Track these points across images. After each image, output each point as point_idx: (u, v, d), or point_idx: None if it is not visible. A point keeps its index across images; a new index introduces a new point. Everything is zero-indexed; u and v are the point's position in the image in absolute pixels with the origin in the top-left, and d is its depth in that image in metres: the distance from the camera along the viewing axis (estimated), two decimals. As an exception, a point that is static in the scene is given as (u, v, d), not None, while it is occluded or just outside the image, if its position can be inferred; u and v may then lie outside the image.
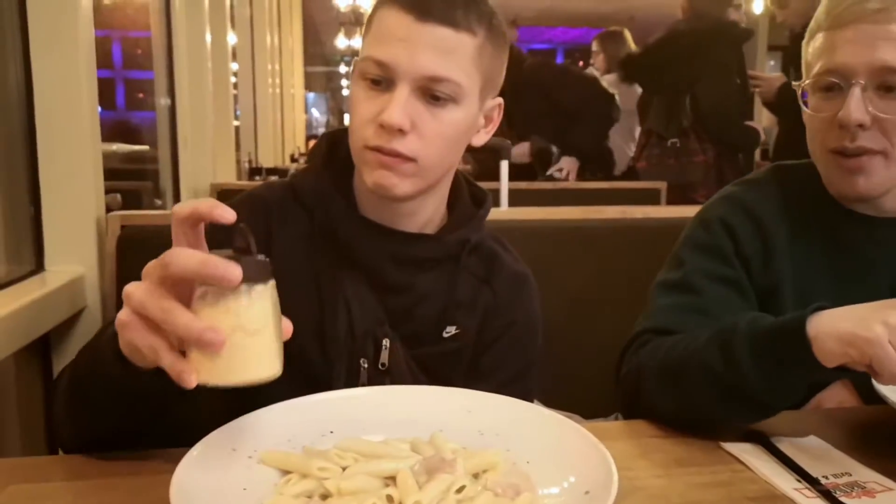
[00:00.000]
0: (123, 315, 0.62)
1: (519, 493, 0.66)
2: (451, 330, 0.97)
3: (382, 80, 0.86)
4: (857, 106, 0.96)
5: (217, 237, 0.64)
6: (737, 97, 3.27)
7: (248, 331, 0.59)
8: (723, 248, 1.08)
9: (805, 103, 1.06)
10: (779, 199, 1.10)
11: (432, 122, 0.88)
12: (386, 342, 0.93)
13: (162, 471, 0.65)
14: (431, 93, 0.87)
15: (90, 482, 0.74)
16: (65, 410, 0.79)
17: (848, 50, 0.97)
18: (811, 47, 1.04)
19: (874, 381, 0.79)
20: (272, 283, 0.61)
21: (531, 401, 0.98)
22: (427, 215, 0.98)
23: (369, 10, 0.92)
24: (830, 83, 1.00)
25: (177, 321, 0.59)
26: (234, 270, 0.58)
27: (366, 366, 0.93)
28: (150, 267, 0.62)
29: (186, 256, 0.59)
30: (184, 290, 0.61)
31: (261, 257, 0.61)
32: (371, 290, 0.94)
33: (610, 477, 0.63)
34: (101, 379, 0.71)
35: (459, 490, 0.66)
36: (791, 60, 3.03)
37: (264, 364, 0.61)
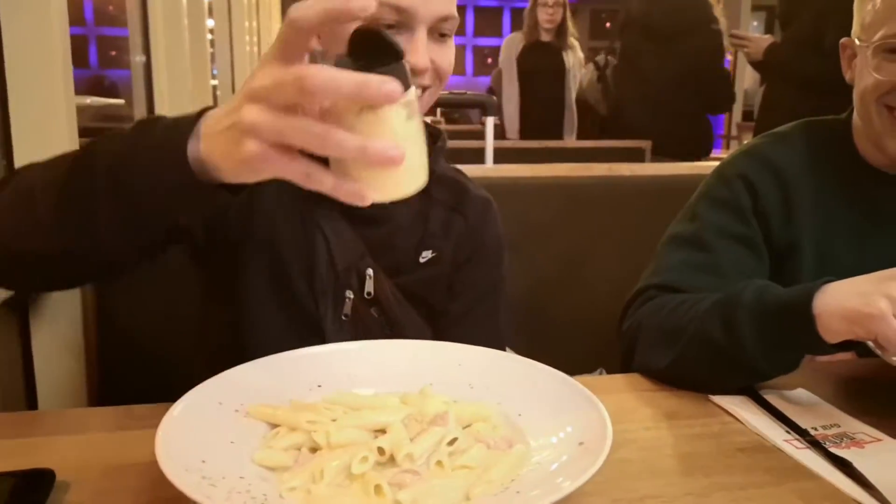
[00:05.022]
0: (253, 148, 0.55)
1: (511, 446, 0.66)
2: (427, 255, 0.99)
3: (397, 25, 0.85)
4: None
5: None
6: None
7: (408, 140, 0.56)
8: (741, 204, 1.06)
9: (851, 59, 1.03)
10: (805, 156, 1.08)
11: (443, 59, 0.89)
12: (370, 272, 0.94)
13: (146, 425, 0.63)
14: (440, 31, 0.88)
15: (71, 437, 0.73)
16: (45, 213, 0.68)
17: None
18: (870, 5, 1.00)
19: (870, 344, 0.79)
20: (412, 88, 0.57)
21: (503, 318, 1.06)
22: None
23: None
24: None
25: (345, 144, 0.54)
26: (395, 86, 0.53)
27: (351, 297, 0.94)
28: (267, 88, 0.55)
29: (335, 79, 0.53)
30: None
31: (400, 63, 0.57)
32: (348, 224, 0.95)
33: (604, 428, 0.63)
34: (141, 189, 0.64)
35: (451, 442, 0.65)
36: (778, 18, 3.00)
37: (419, 175, 0.59)
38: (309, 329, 0.93)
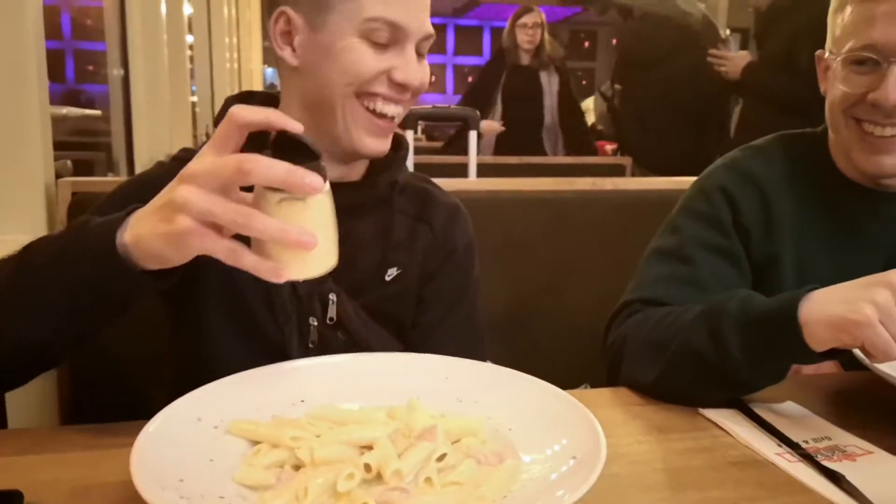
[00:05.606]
0: (185, 223, 0.63)
1: (502, 461, 0.64)
2: (392, 272, 0.97)
3: (388, 42, 0.88)
4: (895, 86, 0.94)
5: None
6: None
7: (320, 228, 0.65)
8: (721, 217, 1.06)
9: (825, 73, 1.04)
10: (784, 169, 1.08)
11: (423, 75, 0.92)
12: (333, 297, 0.92)
13: (120, 444, 0.61)
14: (419, 50, 0.91)
15: (41, 457, 0.70)
16: None
17: (886, 25, 0.94)
18: (840, 18, 1.01)
19: (856, 352, 0.78)
20: (328, 183, 0.65)
21: (478, 324, 1.04)
22: (358, 164, 0.98)
23: None
24: (865, 58, 0.97)
25: (266, 227, 0.62)
26: (317, 179, 0.62)
27: (315, 323, 0.92)
28: (203, 172, 0.63)
29: (269, 165, 0.62)
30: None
31: (318, 162, 0.64)
32: None
33: (598, 442, 0.61)
34: (75, 279, 0.70)
35: (440, 458, 0.63)
36: (754, 38, 3.05)
37: (331, 256, 0.67)
38: (274, 358, 0.89)
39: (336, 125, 0.91)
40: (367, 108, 0.90)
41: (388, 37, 0.88)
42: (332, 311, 0.92)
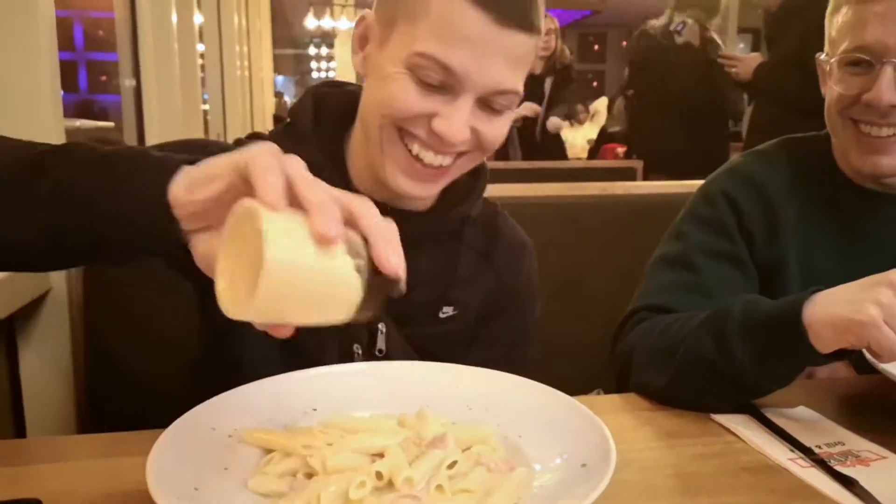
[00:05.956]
0: (267, 161, 0.53)
1: (513, 469, 0.64)
2: (448, 311, 0.92)
3: (441, 86, 0.78)
4: (888, 87, 0.94)
5: None
6: None
7: (314, 297, 0.55)
8: (725, 222, 1.06)
9: (826, 75, 1.04)
10: (787, 173, 1.08)
11: (489, 131, 0.82)
12: (382, 327, 0.88)
13: (136, 452, 0.61)
14: (490, 104, 0.81)
15: (60, 465, 0.71)
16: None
17: (878, 26, 0.94)
18: (836, 20, 1.01)
19: (865, 352, 0.78)
20: (345, 317, 0.57)
21: (531, 367, 0.95)
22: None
23: None
24: (858, 59, 0.97)
25: (322, 195, 0.53)
26: (400, 270, 0.53)
27: (360, 352, 0.88)
28: (289, 165, 0.54)
29: (375, 212, 0.55)
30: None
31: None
32: None
33: (608, 449, 0.61)
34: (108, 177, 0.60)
35: (451, 466, 0.63)
36: (765, 39, 3.05)
37: (262, 308, 0.53)
38: None
39: (374, 153, 0.85)
40: (407, 147, 0.82)
41: (441, 79, 0.77)
42: (381, 343, 0.87)
